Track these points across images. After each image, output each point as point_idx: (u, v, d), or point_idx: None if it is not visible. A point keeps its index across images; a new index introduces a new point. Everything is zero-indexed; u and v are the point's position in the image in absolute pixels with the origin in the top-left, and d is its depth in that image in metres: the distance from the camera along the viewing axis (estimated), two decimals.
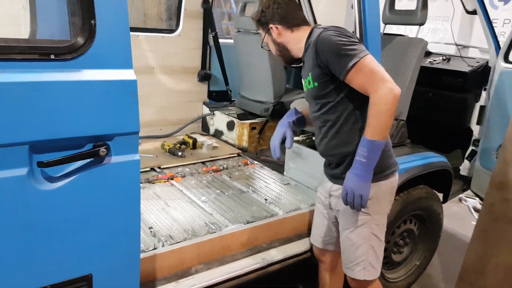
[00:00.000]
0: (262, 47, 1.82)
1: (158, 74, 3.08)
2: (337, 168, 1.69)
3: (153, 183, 2.39)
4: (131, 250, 1.24)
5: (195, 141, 2.90)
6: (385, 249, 2.35)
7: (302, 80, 1.71)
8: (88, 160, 1.09)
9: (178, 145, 2.82)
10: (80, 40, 1.05)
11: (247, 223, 1.99)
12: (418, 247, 2.60)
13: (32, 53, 0.99)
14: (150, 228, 1.86)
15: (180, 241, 1.78)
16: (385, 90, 1.42)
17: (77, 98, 1.05)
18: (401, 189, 2.23)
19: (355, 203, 1.53)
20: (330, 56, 1.49)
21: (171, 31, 3.18)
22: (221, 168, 2.71)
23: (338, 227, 1.78)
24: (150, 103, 3.08)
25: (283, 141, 1.82)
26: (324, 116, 1.64)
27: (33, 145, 1.01)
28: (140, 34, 2.99)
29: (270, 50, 1.76)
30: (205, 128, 3.40)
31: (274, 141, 1.81)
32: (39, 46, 1.03)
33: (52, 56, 1.02)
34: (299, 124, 1.88)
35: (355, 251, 1.70)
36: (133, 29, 3.12)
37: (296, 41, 1.66)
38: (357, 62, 1.45)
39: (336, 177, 1.71)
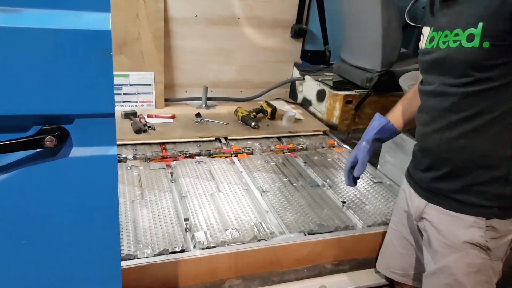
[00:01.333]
0: None
1: (244, 26, 2.62)
2: (446, 180, 1.10)
3: (213, 157, 2.03)
4: (106, 275, 0.88)
5: (274, 110, 2.43)
6: None
7: (443, 31, 1.04)
8: (35, 151, 0.72)
9: (254, 113, 2.38)
10: None
11: (309, 234, 1.51)
12: None
13: None
14: (186, 220, 1.50)
15: (216, 246, 1.39)
16: None
17: (10, 55, 0.66)
18: None
19: None
20: None
21: None
22: (299, 147, 2.22)
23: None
24: (232, 60, 2.67)
25: (354, 166, 1.33)
26: (467, 98, 1.01)
27: None
28: None
29: None
30: (293, 95, 2.89)
31: (346, 165, 1.38)
32: None
33: None
34: (387, 135, 1.33)
35: None
36: None
37: None
38: None
39: (439, 194, 1.12)
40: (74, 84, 0.70)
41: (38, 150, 0.72)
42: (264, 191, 1.74)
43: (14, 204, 0.74)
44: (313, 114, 2.63)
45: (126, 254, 1.31)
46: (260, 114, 2.42)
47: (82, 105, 0.72)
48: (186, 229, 1.47)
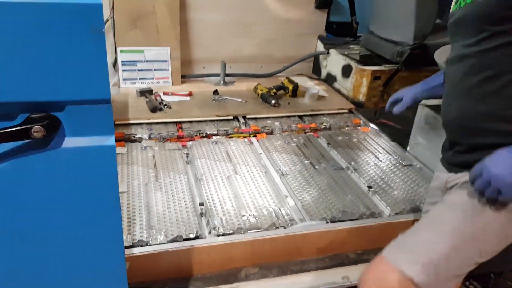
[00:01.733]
0: None
1: None
2: (471, 153, 1.03)
3: (231, 137, 1.94)
4: (109, 269, 0.82)
5: (296, 86, 2.30)
6: None
7: None
8: (23, 142, 0.65)
9: (274, 90, 2.26)
10: None
11: (332, 221, 1.42)
12: None
13: None
14: (201, 204, 1.44)
15: (232, 233, 1.32)
16: None
17: None
18: None
19: (487, 194, 0.93)
20: None
21: None
22: (322, 127, 2.09)
23: None
24: (252, 34, 2.53)
25: (397, 102, 1.38)
26: (485, 57, 0.96)
27: None
28: None
29: None
30: (316, 70, 2.74)
31: (391, 98, 1.42)
32: None
33: None
34: (440, 92, 1.23)
35: (420, 234, 1.08)
36: None
37: None
38: None
39: (463, 165, 1.05)
40: (62, 66, 0.62)
41: (28, 140, 0.64)
42: (283, 174, 1.65)
43: (2, 199, 0.68)
44: (338, 91, 2.48)
45: (138, 241, 1.26)
46: (281, 91, 2.30)
47: (73, 90, 0.63)
48: (201, 214, 1.41)
